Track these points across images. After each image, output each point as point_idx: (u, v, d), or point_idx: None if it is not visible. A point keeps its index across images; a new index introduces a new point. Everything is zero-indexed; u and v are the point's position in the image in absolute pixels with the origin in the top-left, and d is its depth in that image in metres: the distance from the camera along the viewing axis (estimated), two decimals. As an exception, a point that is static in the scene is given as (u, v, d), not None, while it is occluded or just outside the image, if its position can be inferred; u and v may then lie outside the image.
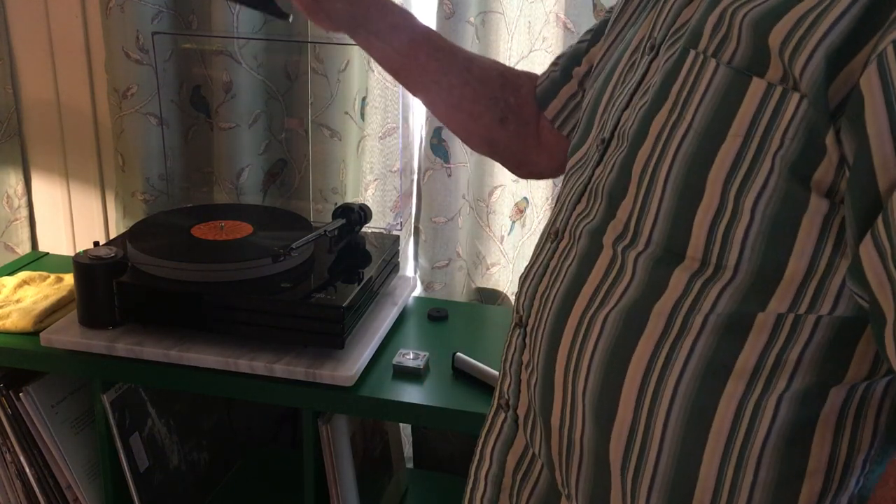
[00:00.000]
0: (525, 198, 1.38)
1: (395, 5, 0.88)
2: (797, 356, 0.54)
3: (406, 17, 0.88)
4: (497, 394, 0.72)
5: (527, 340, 0.67)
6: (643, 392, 0.57)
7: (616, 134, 0.62)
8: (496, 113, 0.89)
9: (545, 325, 0.63)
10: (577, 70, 0.85)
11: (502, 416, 0.71)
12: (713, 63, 0.53)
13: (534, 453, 0.67)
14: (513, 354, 0.70)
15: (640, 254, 0.57)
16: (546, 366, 0.64)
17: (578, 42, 0.86)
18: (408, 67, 0.89)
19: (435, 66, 0.88)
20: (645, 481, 0.58)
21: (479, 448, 0.73)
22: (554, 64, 0.89)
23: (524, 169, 0.95)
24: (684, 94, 0.55)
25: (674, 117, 0.55)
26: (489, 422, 0.73)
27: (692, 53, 0.55)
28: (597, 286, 0.60)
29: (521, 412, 0.68)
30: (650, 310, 0.57)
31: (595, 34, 0.83)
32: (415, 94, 0.94)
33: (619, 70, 0.66)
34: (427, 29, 0.89)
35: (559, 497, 0.65)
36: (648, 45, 0.62)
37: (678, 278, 0.55)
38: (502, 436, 0.70)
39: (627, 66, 0.65)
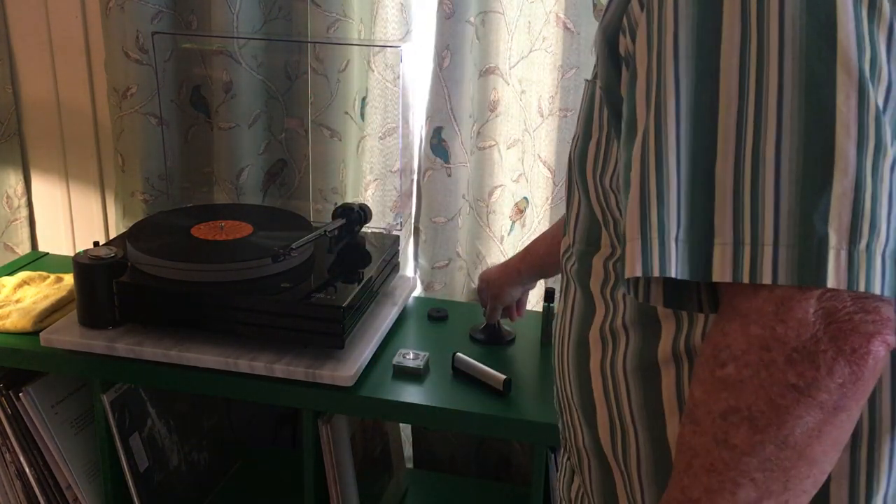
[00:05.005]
0: (525, 198, 1.38)
1: (552, 248, 1.04)
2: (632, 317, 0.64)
3: (554, 244, 1.03)
4: None
5: None
6: (562, 333, 0.72)
7: None
8: None
9: None
10: None
11: None
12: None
13: None
14: None
15: (570, 255, 0.71)
16: None
17: None
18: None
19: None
20: (574, 407, 0.70)
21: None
22: None
23: None
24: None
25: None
26: None
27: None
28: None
29: None
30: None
31: None
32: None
33: None
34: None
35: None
36: None
37: (597, 264, 0.67)
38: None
39: None
